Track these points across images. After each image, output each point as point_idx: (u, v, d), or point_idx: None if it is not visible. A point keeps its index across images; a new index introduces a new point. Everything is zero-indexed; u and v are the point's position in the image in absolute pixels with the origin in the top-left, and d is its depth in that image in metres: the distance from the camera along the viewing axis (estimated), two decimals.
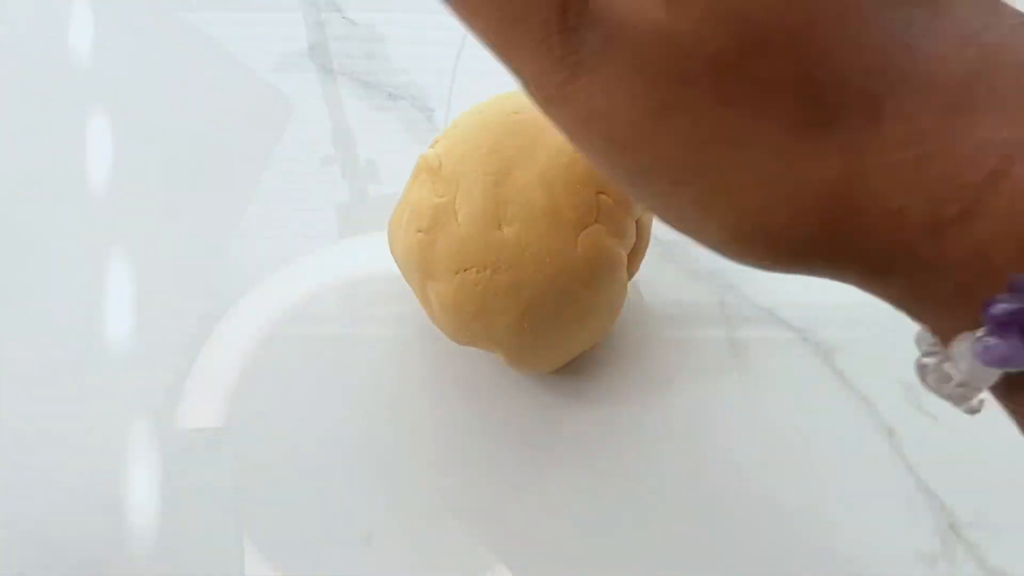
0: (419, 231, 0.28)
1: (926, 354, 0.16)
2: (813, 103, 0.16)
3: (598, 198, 0.28)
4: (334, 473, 0.28)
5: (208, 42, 0.38)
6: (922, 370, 0.16)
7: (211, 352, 0.30)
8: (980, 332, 0.15)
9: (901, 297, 0.16)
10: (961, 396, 0.16)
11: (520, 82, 0.17)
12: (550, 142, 0.29)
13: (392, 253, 0.29)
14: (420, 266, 0.28)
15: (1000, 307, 0.14)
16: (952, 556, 0.27)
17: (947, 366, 0.16)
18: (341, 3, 0.39)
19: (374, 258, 0.31)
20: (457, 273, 0.27)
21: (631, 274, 0.30)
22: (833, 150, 0.16)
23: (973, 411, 0.16)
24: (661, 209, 0.17)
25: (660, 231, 0.31)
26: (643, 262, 0.30)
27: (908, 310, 0.16)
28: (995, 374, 0.15)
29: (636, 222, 0.29)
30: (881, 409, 0.29)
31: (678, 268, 0.32)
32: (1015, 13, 0.16)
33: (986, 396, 0.16)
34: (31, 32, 0.38)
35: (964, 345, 0.15)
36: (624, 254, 0.29)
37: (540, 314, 0.27)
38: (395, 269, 0.29)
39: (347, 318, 0.31)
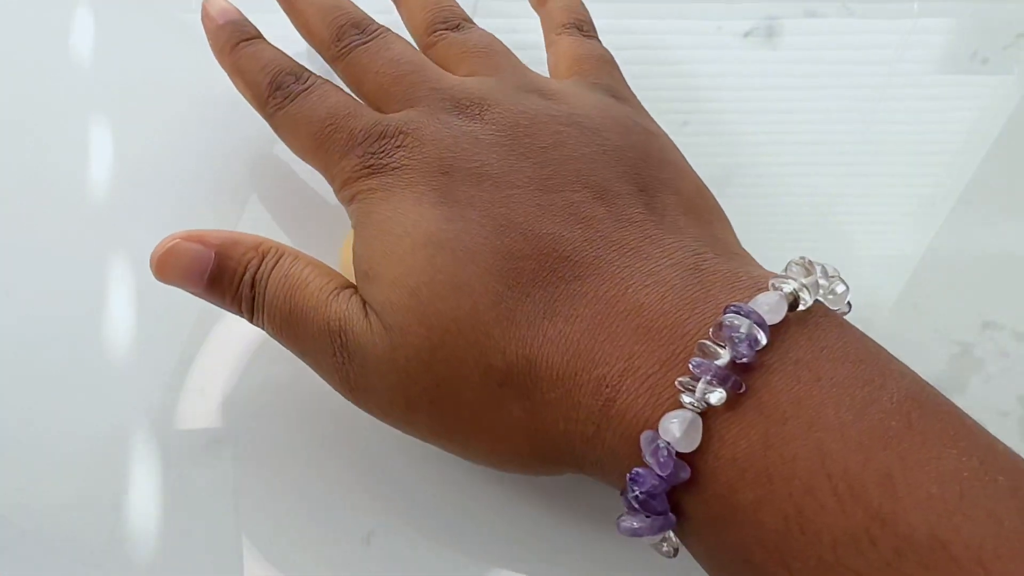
0: None
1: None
2: (490, 371, 0.22)
3: None
4: (334, 473, 0.28)
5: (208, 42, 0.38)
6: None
7: (211, 352, 0.30)
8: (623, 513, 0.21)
9: (603, 480, 0.23)
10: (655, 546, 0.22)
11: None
12: None
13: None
14: None
15: (628, 496, 0.20)
16: None
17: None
18: None
19: None
20: None
21: None
22: (513, 399, 0.22)
23: (668, 556, 0.22)
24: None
25: None
26: None
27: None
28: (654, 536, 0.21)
29: None
30: None
31: None
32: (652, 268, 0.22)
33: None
34: (31, 31, 0.38)
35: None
36: None
37: None
38: None
39: None
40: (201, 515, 0.27)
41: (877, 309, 0.27)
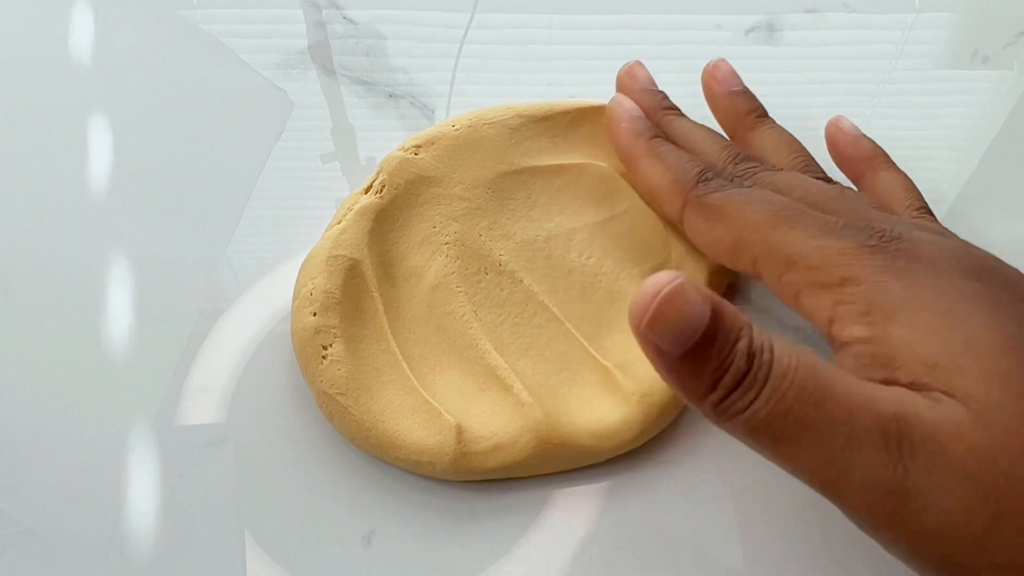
0: None
1: None
2: None
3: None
4: (334, 473, 0.28)
5: (208, 40, 0.38)
6: None
7: (211, 352, 0.30)
8: None
9: None
10: None
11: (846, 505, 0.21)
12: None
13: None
14: None
15: None
16: None
17: None
18: (341, 2, 0.39)
19: None
20: None
21: None
22: None
23: None
24: None
25: None
26: None
27: None
28: None
29: None
30: None
31: None
32: None
33: None
34: (30, 30, 0.38)
35: None
36: None
37: None
38: None
39: None
40: (201, 515, 0.27)
41: None
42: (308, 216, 0.33)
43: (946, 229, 0.27)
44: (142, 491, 0.27)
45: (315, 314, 0.28)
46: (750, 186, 0.27)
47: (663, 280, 0.19)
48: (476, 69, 0.38)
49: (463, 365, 0.28)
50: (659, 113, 0.32)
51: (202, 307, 0.31)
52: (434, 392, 0.28)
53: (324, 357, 0.27)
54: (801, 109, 0.36)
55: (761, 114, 0.32)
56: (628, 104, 0.32)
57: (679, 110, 0.33)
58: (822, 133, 0.32)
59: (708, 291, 0.20)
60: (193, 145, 0.35)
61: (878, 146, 0.31)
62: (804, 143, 0.31)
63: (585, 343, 0.29)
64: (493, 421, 0.27)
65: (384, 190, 0.30)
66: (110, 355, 0.30)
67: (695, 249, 0.30)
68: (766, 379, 0.20)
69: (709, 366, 0.20)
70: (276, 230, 0.33)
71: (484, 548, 0.27)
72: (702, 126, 0.32)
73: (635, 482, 0.28)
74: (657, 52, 0.39)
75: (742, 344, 0.20)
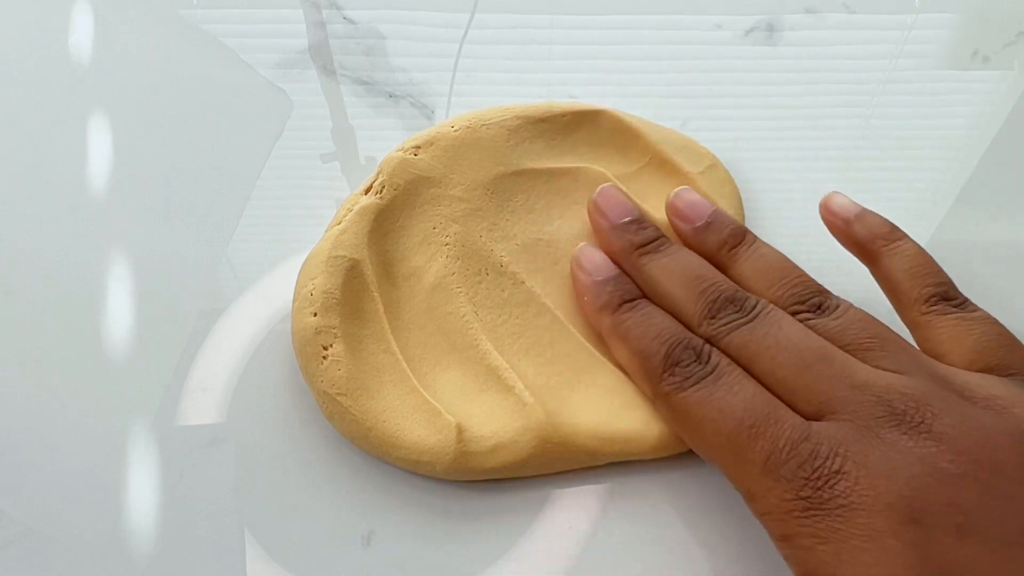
0: None
1: None
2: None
3: None
4: (334, 473, 0.28)
5: (208, 40, 0.38)
6: None
7: (211, 352, 0.30)
8: None
9: None
10: None
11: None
12: None
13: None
14: None
15: None
16: None
17: None
18: (341, 2, 0.39)
19: None
20: None
21: None
22: None
23: None
24: None
25: None
26: None
27: None
28: None
29: None
30: None
31: None
32: None
33: None
34: (30, 30, 0.38)
35: None
36: None
37: None
38: None
39: None
40: (201, 515, 0.27)
41: (876, 306, 0.27)
42: (308, 216, 0.33)
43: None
44: (142, 491, 0.27)
45: (315, 314, 0.28)
46: (715, 373, 0.25)
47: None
48: (476, 69, 0.38)
49: (464, 365, 0.28)
50: (632, 257, 0.29)
51: (202, 307, 0.31)
52: (434, 392, 0.28)
53: (324, 357, 0.27)
54: (801, 109, 0.36)
55: (733, 245, 0.29)
56: (590, 262, 0.29)
57: (656, 240, 0.29)
58: (823, 133, 0.31)
59: None
60: (193, 145, 0.35)
61: (880, 222, 0.28)
62: (804, 142, 0.30)
63: (591, 346, 0.29)
64: (494, 421, 0.27)
65: (384, 190, 0.30)
66: (110, 355, 0.30)
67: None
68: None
69: None
70: (276, 230, 0.33)
71: (484, 548, 0.27)
72: (678, 268, 0.28)
73: (635, 483, 0.28)
74: (657, 52, 0.39)
75: None
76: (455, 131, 0.31)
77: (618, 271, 0.29)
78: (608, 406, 0.28)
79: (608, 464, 0.28)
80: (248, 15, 0.40)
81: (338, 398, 0.27)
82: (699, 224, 0.29)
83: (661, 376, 0.26)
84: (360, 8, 0.39)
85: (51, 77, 0.36)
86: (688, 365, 0.26)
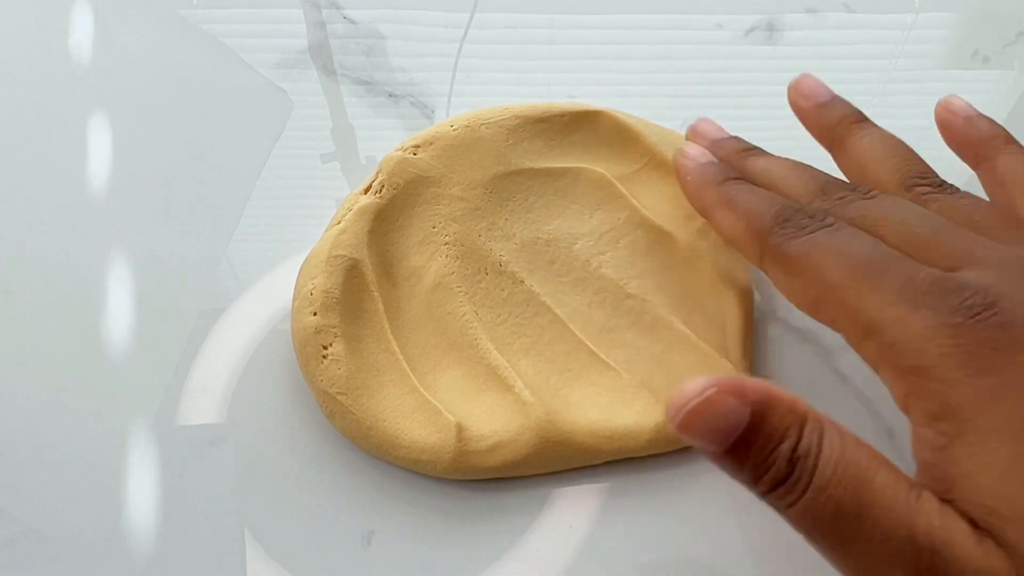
0: None
1: None
2: None
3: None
4: (334, 473, 0.28)
5: (208, 40, 0.38)
6: None
7: (211, 352, 0.30)
8: None
9: None
10: None
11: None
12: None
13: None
14: None
15: None
16: None
17: None
18: (341, 2, 0.39)
19: None
20: None
21: None
22: None
23: None
24: None
25: None
26: None
27: None
28: None
29: None
30: (881, 410, 0.29)
31: None
32: None
33: None
34: (30, 30, 0.38)
35: None
36: None
37: None
38: None
39: None
40: (201, 515, 0.27)
41: None
42: (308, 216, 0.33)
43: None
44: (142, 491, 0.27)
45: (315, 314, 0.28)
46: (833, 226, 0.24)
47: (696, 388, 0.19)
48: (476, 69, 0.38)
49: (463, 365, 0.28)
50: (736, 156, 0.29)
51: (202, 307, 0.31)
52: (434, 392, 0.28)
53: (324, 357, 0.27)
54: None
55: (854, 120, 0.29)
56: (693, 151, 0.29)
57: (759, 150, 0.30)
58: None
59: (757, 388, 0.20)
60: (193, 145, 0.35)
61: (995, 125, 0.28)
62: (804, 142, 0.31)
63: (591, 345, 0.29)
64: (494, 420, 0.27)
65: (383, 190, 0.30)
66: (110, 355, 0.30)
67: (699, 255, 0.30)
68: (805, 489, 0.20)
69: (748, 465, 0.20)
70: (276, 230, 0.33)
71: (484, 548, 0.27)
72: (788, 160, 0.29)
73: (636, 482, 0.28)
74: (657, 52, 0.39)
75: (785, 447, 0.20)
76: (454, 131, 0.31)
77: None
78: (607, 403, 0.28)
79: (608, 463, 0.28)
80: (248, 15, 0.40)
81: (338, 397, 0.27)
82: (823, 100, 0.30)
83: (771, 229, 0.24)
84: (360, 8, 0.39)
85: (51, 77, 0.36)
86: (801, 219, 0.24)
